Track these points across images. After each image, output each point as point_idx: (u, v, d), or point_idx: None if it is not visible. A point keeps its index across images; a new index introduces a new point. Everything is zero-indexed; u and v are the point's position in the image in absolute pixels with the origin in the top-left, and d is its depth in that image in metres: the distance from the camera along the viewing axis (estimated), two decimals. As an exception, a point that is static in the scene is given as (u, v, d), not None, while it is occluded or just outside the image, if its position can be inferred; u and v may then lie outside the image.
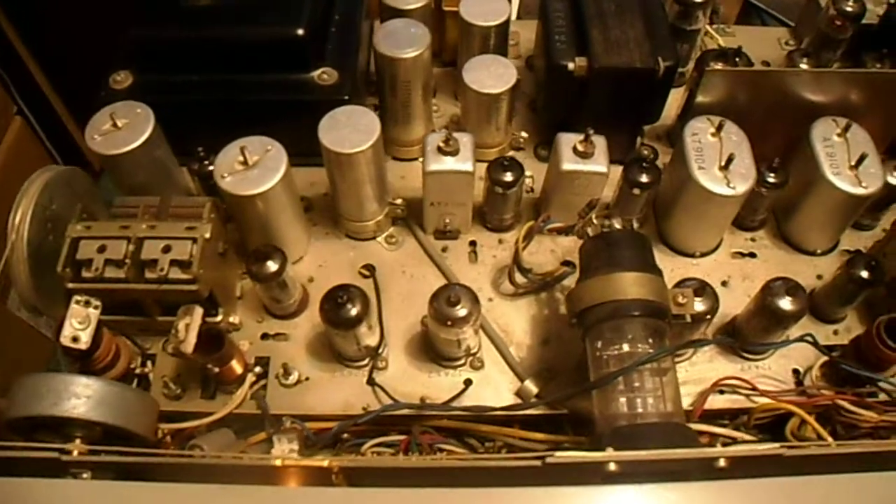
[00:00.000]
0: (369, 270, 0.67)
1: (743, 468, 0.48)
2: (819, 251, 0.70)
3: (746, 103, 0.69)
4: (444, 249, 0.68)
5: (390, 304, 0.65)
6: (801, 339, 0.60)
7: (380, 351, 0.63)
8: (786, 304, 0.59)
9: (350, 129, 0.60)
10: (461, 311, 0.57)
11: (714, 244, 0.69)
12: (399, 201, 0.67)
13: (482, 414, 0.59)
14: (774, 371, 0.65)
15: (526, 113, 0.76)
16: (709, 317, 0.60)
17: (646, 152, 0.73)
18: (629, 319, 0.54)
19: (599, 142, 0.63)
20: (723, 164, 0.62)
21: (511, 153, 0.73)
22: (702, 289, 0.59)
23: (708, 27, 0.79)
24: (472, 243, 0.69)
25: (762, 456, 0.48)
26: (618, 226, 0.58)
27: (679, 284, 0.60)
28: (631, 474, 0.47)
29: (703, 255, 0.69)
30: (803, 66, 0.73)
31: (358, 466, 0.47)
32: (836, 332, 0.67)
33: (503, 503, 0.45)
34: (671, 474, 0.47)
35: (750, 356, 0.65)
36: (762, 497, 0.45)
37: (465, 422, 0.61)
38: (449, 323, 0.57)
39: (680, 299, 0.56)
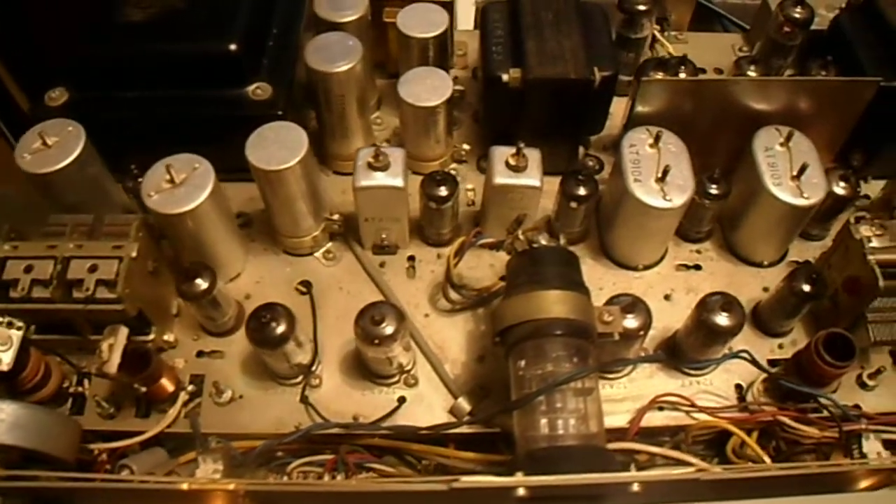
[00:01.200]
0: (306, 287, 0.67)
1: (662, 492, 0.48)
2: (766, 263, 0.70)
3: (691, 113, 0.68)
4: (382, 265, 0.69)
5: (326, 321, 0.66)
6: (735, 355, 0.60)
7: (313, 368, 0.63)
8: (722, 319, 0.59)
9: (277, 146, 0.60)
10: (386, 330, 0.57)
11: (657, 257, 0.69)
12: (336, 216, 0.68)
13: (414, 433, 0.60)
14: (717, 387, 0.65)
15: (471, 124, 0.77)
16: (641, 333, 0.60)
17: (591, 163, 0.73)
18: (550, 339, 0.54)
19: (533, 155, 0.63)
20: (659, 175, 0.62)
21: (454, 166, 0.73)
22: (633, 305, 0.59)
23: (658, 35, 0.78)
24: (411, 258, 0.69)
25: (678, 480, 0.48)
26: (544, 242, 0.58)
27: (610, 301, 0.60)
28: (543, 499, 0.47)
29: (647, 267, 0.69)
30: (751, 74, 0.73)
31: (264, 490, 0.47)
32: (780, 346, 0.67)
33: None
34: (585, 499, 0.48)
35: (691, 372, 0.65)
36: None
37: (397, 440, 0.61)
38: (376, 342, 0.58)
39: (606, 317, 0.56)
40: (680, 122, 0.68)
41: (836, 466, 0.56)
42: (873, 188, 0.75)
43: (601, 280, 0.68)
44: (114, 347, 0.56)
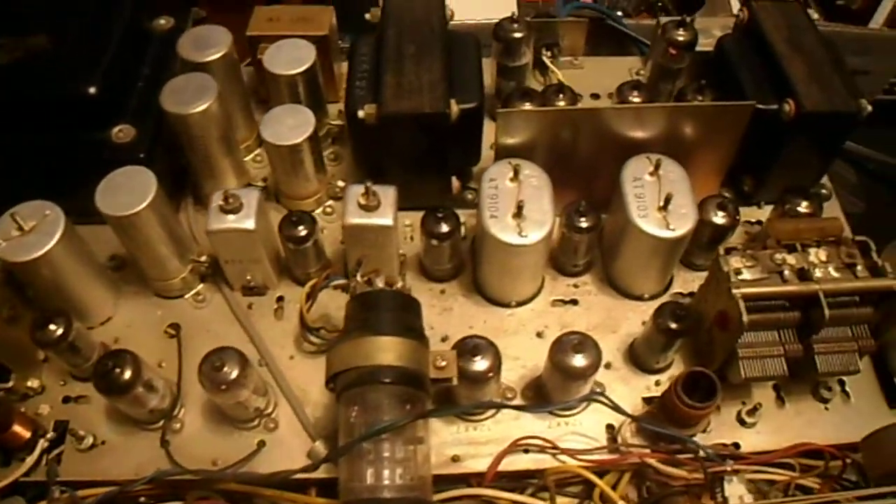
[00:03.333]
0: (175, 329, 0.69)
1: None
2: (646, 296, 0.70)
3: (569, 142, 0.68)
4: (251, 306, 0.70)
5: (193, 364, 0.66)
6: (588, 397, 0.60)
7: (175, 413, 0.65)
8: (576, 360, 0.59)
9: (126, 192, 0.62)
10: (230, 376, 0.58)
11: (530, 293, 0.69)
12: (204, 258, 0.69)
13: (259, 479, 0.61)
14: (586, 427, 0.65)
15: (352, 160, 0.77)
16: (490, 375, 0.60)
17: (469, 196, 0.73)
18: (377, 386, 0.54)
19: (386, 193, 0.64)
20: (515, 211, 0.62)
21: (329, 203, 0.74)
22: (478, 347, 0.59)
23: (547, 61, 0.78)
24: (280, 299, 0.70)
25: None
26: (381, 284, 0.58)
27: (461, 343, 0.60)
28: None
29: (520, 304, 0.69)
30: (634, 100, 0.73)
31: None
32: (657, 383, 0.67)
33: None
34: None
35: (559, 413, 0.65)
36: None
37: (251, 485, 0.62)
38: (222, 387, 0.59)
39: (439, 363, 0.56)
40: (556, 152, 0.68)
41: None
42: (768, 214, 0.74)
43: (472, 318, 0.69)
44: (-45, 398, 0.58)
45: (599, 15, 0.89)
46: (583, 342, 0.60)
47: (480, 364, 0.59)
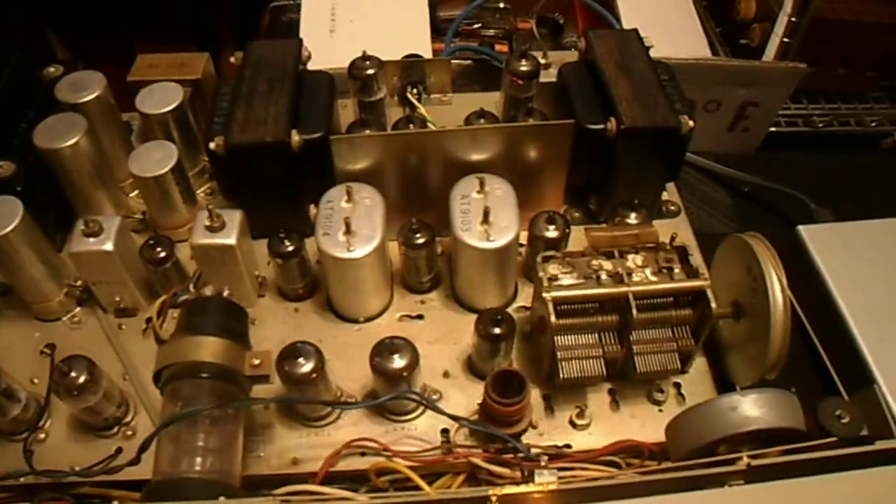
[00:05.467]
0: (50, 349, 0.77)
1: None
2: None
3: (412, 167, 0.77)
4: (121, 326, 0.78)
5: (63, 381, 0.75)
6: (397, 396, 0.66)
7: (41, 423, 0.72)
8: (392, 362, 0.66)
9: (-5, 218, 0.71)
10: (77, 381, 0.66)
11: (376, 309, 0.77)
12: (78, 282, 0.78)
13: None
14: (421, 431, 0.71)
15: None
16: (314, 376, 0.66)
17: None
18: (193, 381, 0.62)
19: (232, 216, 0.72)
20: (345, 229, 0.70)
21: (203, 232, 0.83)
22: (300, 350, 0.66)
23: (411, 97, 0.87)
24: (149, 320, 0.78)
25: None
26: (208, 293, 0.66)
27: (284, 349, 0.67)
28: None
29: (368, 319, 0.76)
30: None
31: None
32: (495, 390, 0.72)
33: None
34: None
35: (396, 418, 0.71)
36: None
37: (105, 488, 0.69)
38: (74, 392, 0.67)
39: (254, 361, 0.63)
40: (400, 176, 0.77)
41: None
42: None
43: (322, 333, 0.76)
44: None
45: (482, 56, 0.98)
46: (398, 346, 0.66)
47: (306, 366, 0.66)
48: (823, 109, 1.08)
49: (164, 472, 0.60)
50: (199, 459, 0.60)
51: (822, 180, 0.94)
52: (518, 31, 1.17)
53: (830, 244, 0.82)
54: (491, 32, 1.16)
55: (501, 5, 1.19)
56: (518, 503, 0.55)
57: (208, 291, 0.66)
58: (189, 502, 0.55)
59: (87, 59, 0.99)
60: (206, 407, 0.60)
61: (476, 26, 1.16)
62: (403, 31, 1.04)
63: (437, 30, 1.11)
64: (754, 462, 0.54)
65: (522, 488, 0.55)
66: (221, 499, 0.57)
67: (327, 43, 1.03)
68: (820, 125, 1.07)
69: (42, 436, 0.72)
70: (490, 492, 0.53)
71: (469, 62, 1.01)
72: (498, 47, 1.11)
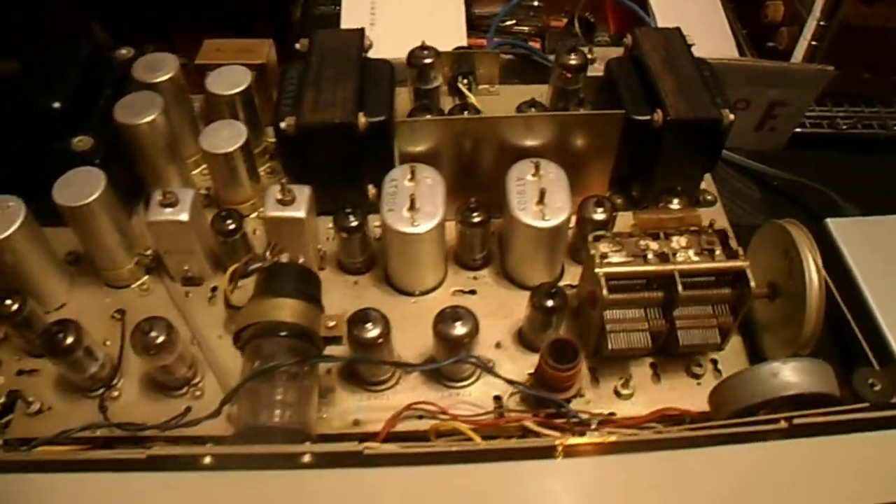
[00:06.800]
0: (120, 314, 0.84)
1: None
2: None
3: (468, 152, 0.84)
4: (188, 294, 0.85)
5: (134, 344, 0.81)
6: (460, 359, 0.73)
7: (114, 382, 0.79)
8: (455, 329, 0.73)
9: (78, 187, 0.78)
10: (157, 340, 0.73)
11: (432, 283, 0.84)
12: (149, 252, 0.85)
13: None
14: (475, 398, 0.78)
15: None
16: (381, 341, 0.73)
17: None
18: (272, 339, 0.69)
19: (301, 191, 0.79)
20: (409, 205, 0.77)
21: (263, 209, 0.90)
22: (369, 316, 0.73)
23: (462, 87, 0.95)
24: (214, 289, 0.85)
25: (343, 453, 0.61)
26: (284, 260, 0.73)
27: (353, 314, 0.74)
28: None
29: (423, 293, 0.84)
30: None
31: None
32: (545, 361, 0.80)
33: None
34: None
35: (452, 384, 0.78)
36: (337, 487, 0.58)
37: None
38: (151, 351, 0.73)
39: (329, 323, 0.70)
40: (458, 160, 0.84)
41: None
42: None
43: (380, 305, 0.81)
44: (-74, 358, 0.73)
45: (525, 52, 1.06)
46: (459, 312, 0.73)
47: (373, 331, 0.73)
48: (847, 112, 1.16)
49: (246, 423, 0.67)
50: (278, 412, 0.67)
51: (847, 178, 1.02)
52: (550, 29, 1.25)
53: (857, 237, 0.89)
54: (525, 30, 1.24)
55: (535, 3, 1.27)
56: (578, 454, 0.62)
57: (284, 258, 0.73)
58: (278, 444, 0.62)
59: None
60: (289, 362, 0.67)
61: (510, 23, 1.24)
62: (441, 26, 1.12)
63: (473, 26, 1.18)
64: (795, 421, 0.61)
65: (585, 439, 0.62)
66: (307, 444, 0.65)
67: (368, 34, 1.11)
68: (844, 127, 1.14)
69: (115, 394, 0.79)
70: (556, 441, 0.60)
71: (510, 57, 1.08)
72: (531, 44, 1.19)
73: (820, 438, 0.60)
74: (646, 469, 0.59)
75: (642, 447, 0.61)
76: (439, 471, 0.59)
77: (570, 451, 0.60)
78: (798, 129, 1.13)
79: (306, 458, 0.60)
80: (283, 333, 0.69)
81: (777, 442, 0.60)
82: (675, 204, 0.83)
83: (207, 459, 0.60)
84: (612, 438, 0.62)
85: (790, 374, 0.66)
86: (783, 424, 0.61)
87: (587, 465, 0.59)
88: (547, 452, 0.59)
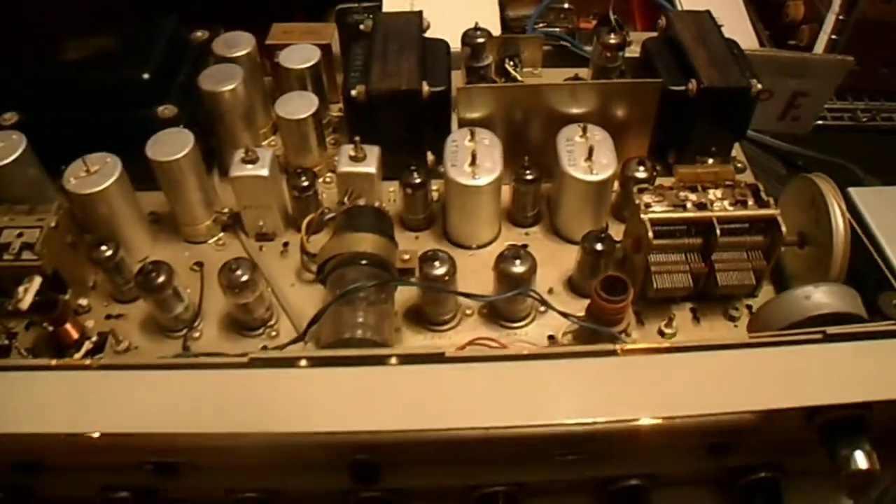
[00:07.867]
0: (199, 266, 0.93)
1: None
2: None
3: (520, 117, 0.94)
4: (261, 248, 0.94)
5: (212, 293, 0.90)
6: (520, 292, 0.82)
7: (195, 324, 0.88)
8: (515, 267, 0.82)
9: (169, 145, 0.88)
10: (242, 278, 0.82)
11: (487, 237, 0.93)
12: (226, 210, 0.94)
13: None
14: (531, 337, 0.86)
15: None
16: (447, 279, 0.82)
17: (441, 169, 0.98)
18: (355, 266, 0.78)
19: (372, 150, 0.90)
20: (470, 161, 0.87)
21: (329, 174, 1.00)
22: (437, 256, 0.82)
23: (510, 69, 1.06)
24: (286, 244, 0.94)
25: (426, 354, 0.70)
26: (362, 203, 0.83)
27: (423, 254, 0.83)
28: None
29: (480, 247, 0.93)
30: (575, 87, 0.99)
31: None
32: (591, 305, 0.89)
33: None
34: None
35: (508, 324, 0.87)
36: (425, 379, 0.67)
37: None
38: (235, 290, 0.83)
39: (404, 256, 0.80)
40: (511, 126, 0.94)
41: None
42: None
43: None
44: (28, 290, 0.82)
45: (563, 42, 1.17)
46: (519, 252, 0.83)
47: (440, 269, 0.82)
48: (867, 105, 1.27)
49: (329, 341, 0.76)
50: (360, 331, 0.76)
51: (869, 157, 1.12)
52: (580, 31, 1.37)
53: (879, 204, 0.98)
54: (556, 31, 1.35)
55: (566, 6, 1.39)
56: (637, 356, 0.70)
57: (361, 202, 0.83)
58: (361, 349, 0.71)
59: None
60: (370, 283, 0.77)
61: (541, 25, 1.36)
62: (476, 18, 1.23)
63: (507, 27, 1.30)
64: (829, 331, 0.70)
65: (644, 344, 0.71)
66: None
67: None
68: (864, 120, 1.25)
69: (196, 334, 0.88)
70: (616, 345, 0.69)
71: (548, 48, 1.19)
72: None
73: (854, 343, 0.69)
74: (698, 366, 0.67)
75: (696, 349, 0.69)
76: (514, 365, 0.67)
77: (629, 354, 0.69)
78: (819, 122, 1.23)
79: (393, 361, 0.69)
80: (363, 262, 0.78)
81: (815, 345, 0.69)
82: (709, 162, 0.93)
83: (303, 363, 0.69)
84: (667, 344, 0.71)
85: (822, 296, 0.75)
86: (819, 335, 0.70)
87: (647, 361, 0.67)
88: (608, 354, 0.68)
